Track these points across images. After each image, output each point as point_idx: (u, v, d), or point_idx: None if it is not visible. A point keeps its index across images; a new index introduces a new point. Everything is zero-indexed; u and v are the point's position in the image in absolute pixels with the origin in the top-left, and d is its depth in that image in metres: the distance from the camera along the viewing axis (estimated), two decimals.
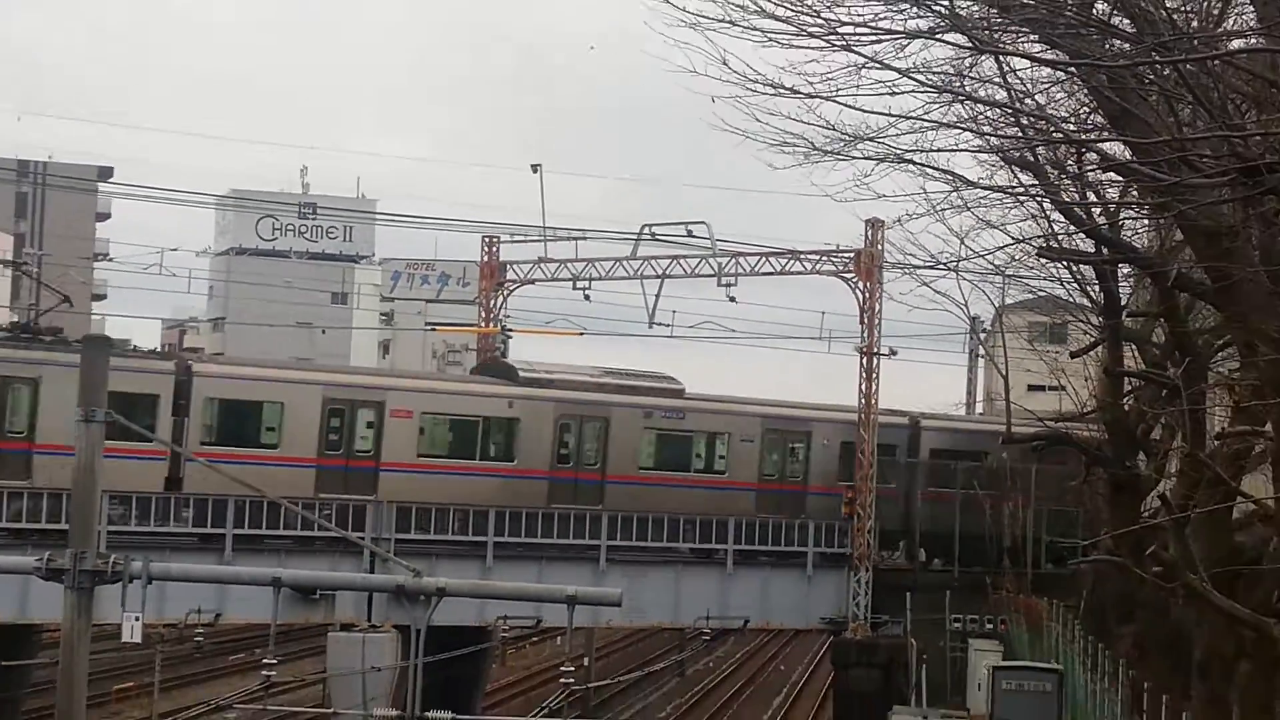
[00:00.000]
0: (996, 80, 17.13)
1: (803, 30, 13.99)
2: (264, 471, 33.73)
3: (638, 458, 39.53)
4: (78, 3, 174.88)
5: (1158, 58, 13.87)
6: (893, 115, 15.95)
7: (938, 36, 14.80)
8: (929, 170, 18.36)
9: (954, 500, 41.22)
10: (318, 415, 35.70)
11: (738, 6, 13.77)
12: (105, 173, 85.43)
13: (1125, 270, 25.85)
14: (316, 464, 35.73)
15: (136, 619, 24.06)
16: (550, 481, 38.80)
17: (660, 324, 41.52)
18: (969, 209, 22.56)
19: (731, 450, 40.18)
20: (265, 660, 25.81)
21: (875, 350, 40.76)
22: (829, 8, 13.83)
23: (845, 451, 41.58)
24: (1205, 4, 16.18)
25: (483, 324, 47.64)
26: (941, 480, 42.22)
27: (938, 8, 14.46)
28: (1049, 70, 17.15)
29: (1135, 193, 20.98)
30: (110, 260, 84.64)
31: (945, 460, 42.79)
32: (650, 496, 39.23)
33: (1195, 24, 15.85)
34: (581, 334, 47.37)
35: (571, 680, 34.82)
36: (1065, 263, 26.23)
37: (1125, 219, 23.78)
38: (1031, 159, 20.06)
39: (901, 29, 14.42)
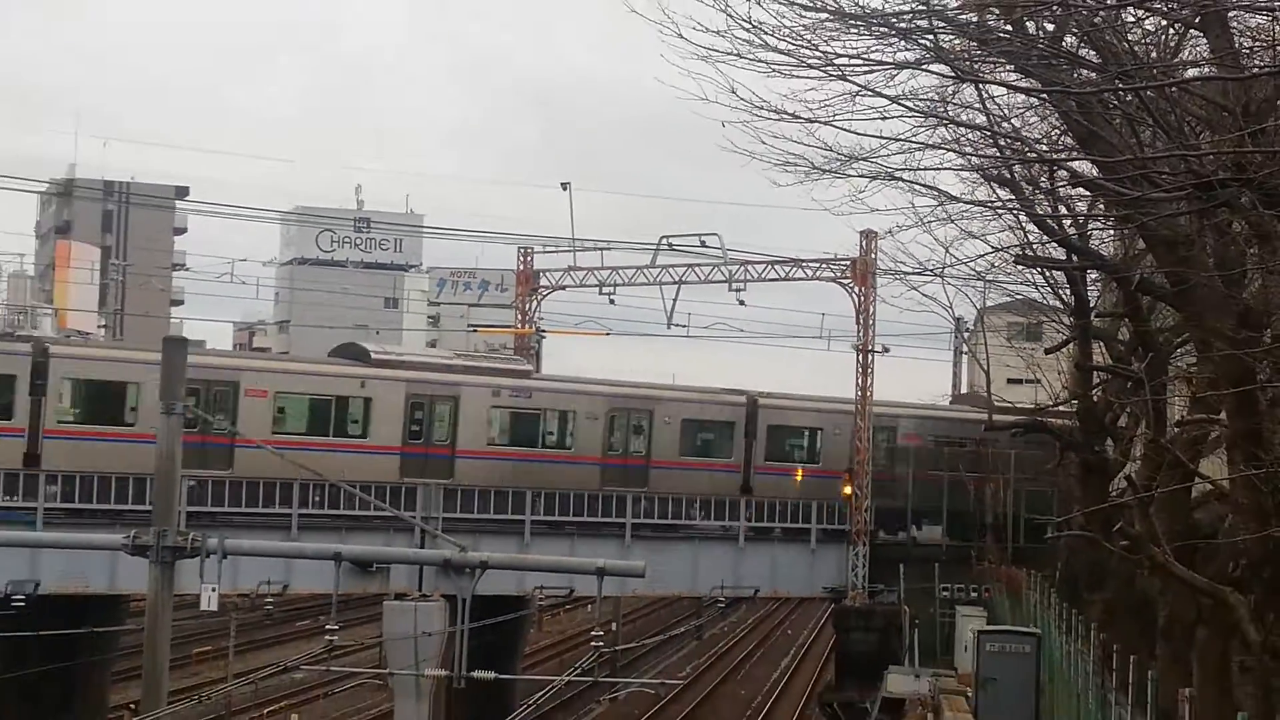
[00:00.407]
0: (977, 106, 18.39)
1: (803, 62, 15.03)
2: (124, 448, 34.84)
3: (487, 434, 41.80)
4: (164, 54, 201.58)
5: (1121, 85, 14.87)
6: (884, 138, 17.30)
7: (923, 67, 15.90)
8: (917, 187, 20.10)
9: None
10: None
11: (745, 41, 14.81)
12: (182, 192, 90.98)
13: (1093, 275, 27.56)
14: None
15: (213, 589, 24.80)
16: (402, 457, 40.60)
17: (678, 325, 44.44)
18: (953, 221, 24.66)
19: (578, 427, 42.63)
20: (328, 626, 27.34)
21: (870, 348, 43.44)
22: (826, 41, 15.04)
23: (686, 428, 44.60)
24: (1163, 36, 17.23)
25: (519, 325, 50.56)
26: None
27: (923, 41, 15.37)
28: (1023, 97, 18.46)
29: (1102, 206, 22.28)
30: (187, 270, 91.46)
31: (784, 436, 46.28)
32: (499, 470, 41.35)
33: (1154, 54, 16.97)
34: (608, 334, 50.78)
35: (601, 643, 37.85)
36: (1039, 269, 27.77)
37: (1093, 229, 25.28)
38: (1009, 176, 21.51)
39: (891, 60, 15.57)
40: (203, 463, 36.16)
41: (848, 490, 45.38)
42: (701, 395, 47.57)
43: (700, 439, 46.22)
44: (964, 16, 15.44)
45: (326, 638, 30.35)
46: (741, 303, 45.06)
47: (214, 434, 36.28)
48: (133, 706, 37.60)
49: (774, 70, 15.40)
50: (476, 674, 25.86)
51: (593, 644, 33.73)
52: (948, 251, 27.90)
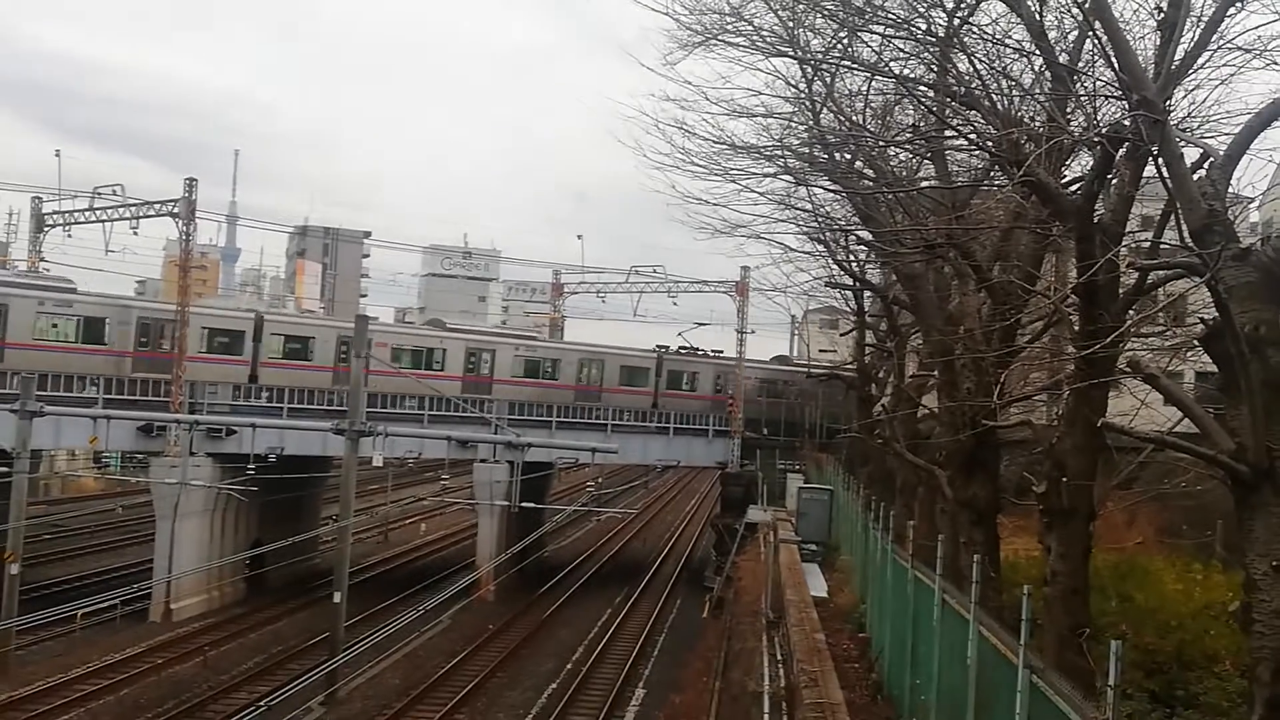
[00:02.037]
0: (807, 199, 22.88)
1: (713, 172, 19.18)
2: (305, 374, 49.68)
3: (511, 371, 56.99)
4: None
5: (886, 189, 19.17)
6: (755, 215, 22.35)
7: (778, 176, 20.31)
8: (773, 243, 26.90)
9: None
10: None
11: (680, 159, 18.83)
12: (367, 234, 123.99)
13: (868, 293, 32.88)
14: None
15: (380, 454, 33.75)
16: (463, 383, 54.58)
17: (640, 316, 63.97)
18: (791, 263, 31.50)
19: (561, 369, 59.49)
20: (443, 476, 38.23)
21: (744, 331, 59.63)
22: (725, 161, 19.14)
23: (624, 371, 61.17)
24: (908, 162, 21.21)
25: (552, 314, 71.32)
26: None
27: (778, 163, 19.69)
28: (832, 194, 23.07)
29: (873, 255, 27.25)
30: (369, 277, 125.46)
31: (677, 376, 62.70)
32: (520, 392, 55.88)
33: (905, 172, 20.85)
34: (600, 320, 68.74)
35: (592, 488, 58.33)
36: (839, 290, 33.19)
37: (868, 267, 30.52)
38: (823, 238, 26.49)
39: (760, 173, 19.63)
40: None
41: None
42: (634, 353, 61.94)
43: (632, 377, 60.07)
44: (801, 149, 20.01)
45: (442, 482, 41.67)
46: (675, 304, 62.94)
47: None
48: (333, 518, 43.65)
49: (696, 176, 19.24)
50: (525, 504, 36.87)
51: (588, 488, 60.62)
52: (788, 279, 37.65)
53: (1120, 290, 13.18)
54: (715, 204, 20.77)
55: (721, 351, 64.70)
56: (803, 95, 18.95)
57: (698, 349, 65.07)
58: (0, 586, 33.05)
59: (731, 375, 60.23)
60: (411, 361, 52.55)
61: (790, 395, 64.44)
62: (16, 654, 33.46)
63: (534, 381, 57.15)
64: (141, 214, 48.50)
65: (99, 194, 50.08)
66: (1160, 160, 9.55)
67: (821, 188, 22.14)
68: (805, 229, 25.09)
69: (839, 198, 23.18)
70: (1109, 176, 12.74)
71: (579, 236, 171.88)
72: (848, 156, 19.90)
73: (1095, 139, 11.71)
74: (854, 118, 18.22)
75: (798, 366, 65.97)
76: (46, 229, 52.07)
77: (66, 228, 51.65)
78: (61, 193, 52.38)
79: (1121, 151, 12.02)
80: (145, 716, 29.29)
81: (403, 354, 52.57)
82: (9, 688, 31.00)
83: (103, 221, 49.81)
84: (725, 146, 18.77)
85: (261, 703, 27.19)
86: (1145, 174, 12.69)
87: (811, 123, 19.07)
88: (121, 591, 34.79)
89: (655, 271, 63.78)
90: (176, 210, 45.51)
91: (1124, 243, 13.80)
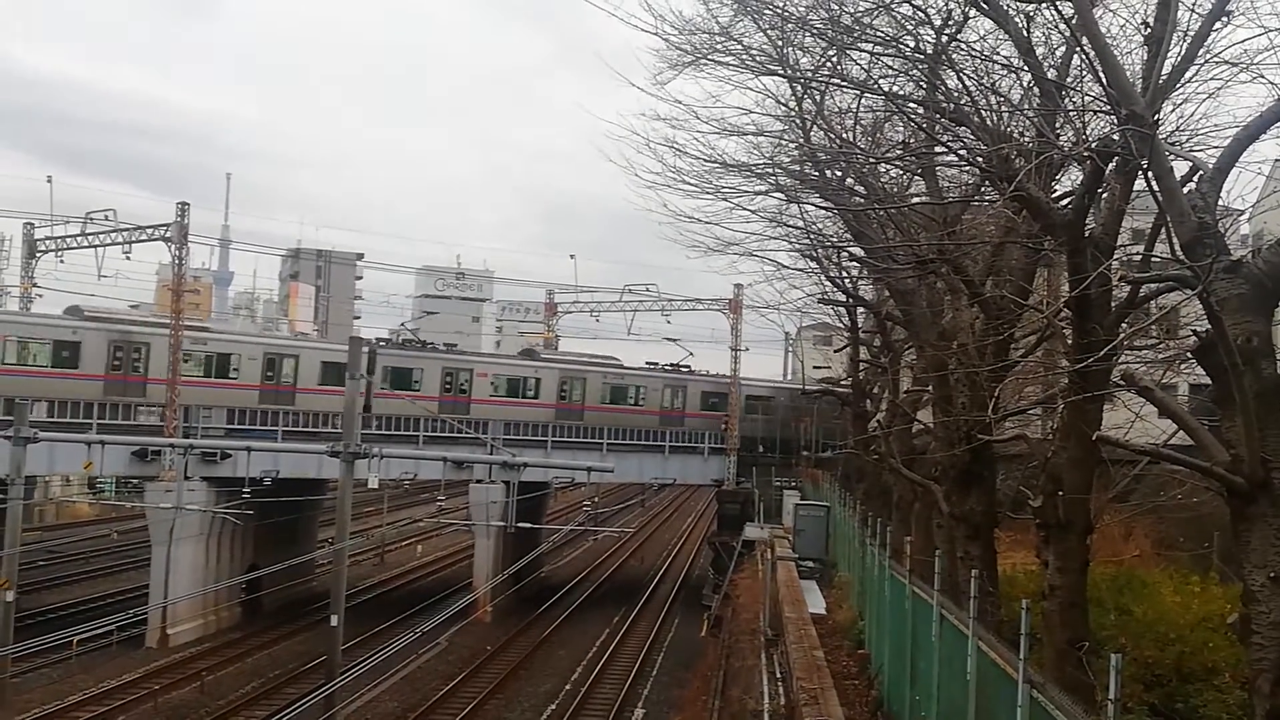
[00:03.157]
0: (798, 216, 22.78)
1: (704, 190, 19.04)
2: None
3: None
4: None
5: (877, 206, 18.98)
6: (747, 233, 22.05)
7: (769, 194, 20.22)
8: (765, 261, 25.89)
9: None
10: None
11: (671, 178, 18.70)
12: (360, 256, 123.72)
13: (861, 309, 32.53)
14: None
15: (375, 476, 33.78)
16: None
17: (634, 335, 64.68)
18: (785, 279, 30.41)
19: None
20: (438, 498, 38.59)
21: (738, 348, 60.36)
22: (716, 179, 19.08)
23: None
24: (899, 179, 21.19)
25: (546, 333, 71.93)
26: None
27: (769, 180, 19.64)
28: (824, 211, 22.81)
29: (866, 272, 26.94)
30: (362, 299, 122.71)
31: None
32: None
33: (896, 188, 20.75)
34: (595, 338, 68.97)
35: (588, 508, 57.63)
36: (832, 306, 33.02)
37: (861, 283, 30.13)
38: (815, 255, 26.28)
39: (752, 190, 19.56)
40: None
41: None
42: (619, 369, 61.76)
43: (615, 394, 60.02)
44: (793, 167, 19.96)
45: (437, 503, 42.02)
46: (668, 322, 63.12)
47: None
48: (329, 540, 43.25)
49: (688, 194, 19.03)
50: (521, 524, 35.75)
51: (584, 508, 58.92)
52: (781, 295, 37.54)
53: (1112, 304, 13.21)
54: (708, 222, 20.67)
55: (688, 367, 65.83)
56: (793, 113, 19.07)
57: (683, 366, 66.27)
58: None
59: (684, 389, 62.14)
60: (508, 390, 56.37)
61: (785, 412, 65.68)
62: (13, 681, 33.34)
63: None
64: (134, 239, 48.56)
65: (91, 219, 50.02)
66: (1150, 174, 9.60)
67: (813, 205, 22.11)
68: (797, 246, 24.98)
69: (831, 215, 23.18)
70: (1099, 190, 12.81)
71: (572, 256, 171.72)
72: (839, 173, 19.93)
73: (1085, 153, 11.76)
74: (844, 135, 18.37)
75: (789, 384, 67.58)
76: (39, 255, 52.02)
77: (59, 253, 51.60)
78: (54, 218, 52.26)
79: (1111, 166, 12.08)
80: None
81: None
82: (6, 715, 30.85)
83: (95, 246, 49.78)
84: (717, 165, 18.74)
85: None
86: (1135, 188, 12.78)
87: (802, 140, 19.10)
88: (118, 617, 34.62)
89: (648, 290, 64.47)
90: (169, 235, 45.50)
91: (1115, 256, 13.70)
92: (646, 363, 64.62)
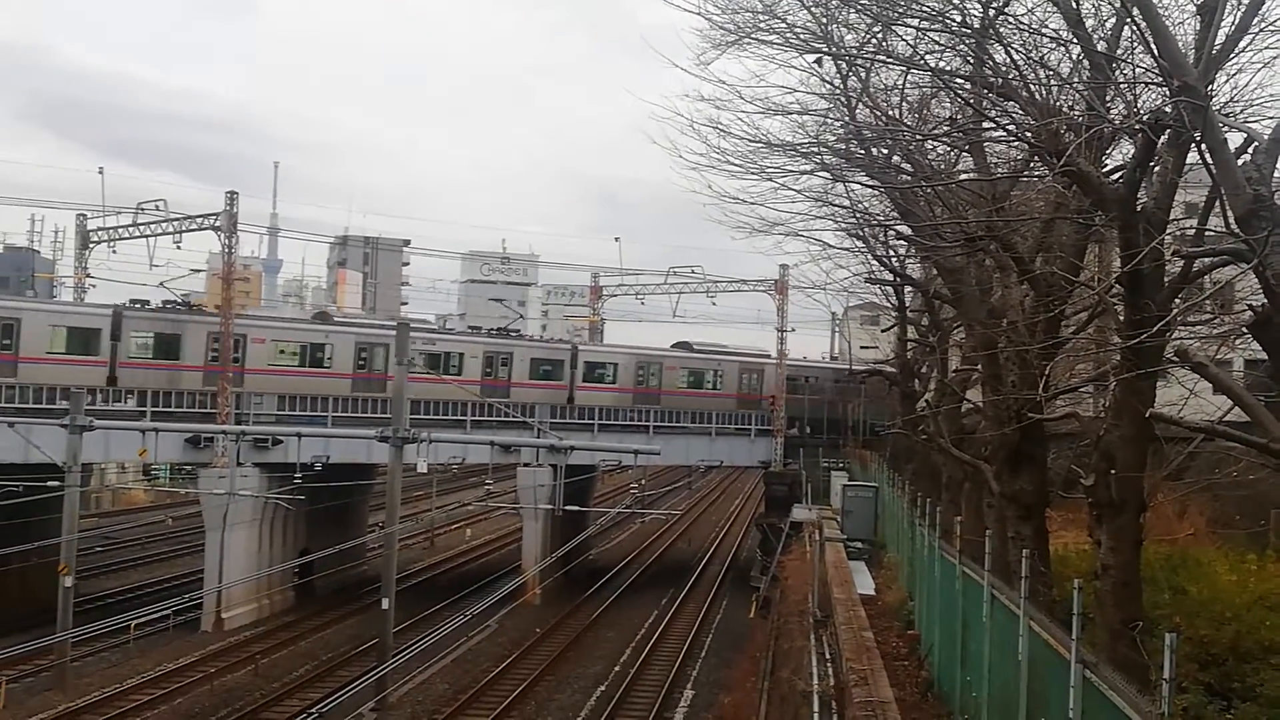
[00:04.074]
0: (844, 195, 22.51)
1: (748, 171, 18.78)
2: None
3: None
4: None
5: (924, 183, 18.80)
6: (792, 213, 21.68)
7: (814, 173, 19.96)
8: (811, 241, 26.05)
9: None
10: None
11: (715, 159, 18.49)
12: (407, 242, 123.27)
13: (908, 288, 32.21)
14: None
15: (424, 460, 33.84)
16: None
17: (679, 317, 63.00)
18: (830, 259, 30.78)
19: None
20: (486, 481, 38.86)
21: (784, 329, 59.77)
22: (761, 159, 18.83)
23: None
24: (946, 155, 20.85)
25: (591, 316, 71.79)
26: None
27: (814, 159, 19.43)
28: (870, 190, 22.67)
29: (913, 250, 26.44)
30: (409, 285, 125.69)
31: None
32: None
33: (943, 165, 20.35)
34: (639, 321, 68.38)
35: (636, 490, 61.08)
36: (879, 285, 32.92)
37: (908, 261, 29.96)
38: (862, 234, 26.06)
39: (797, 170, 19.31)
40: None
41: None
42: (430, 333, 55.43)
43: (430, 361, 53.77)
44: (838, 145, 19.77)
45: (485, 487, 42.12)
46: (714, 304, 62.22)
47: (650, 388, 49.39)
48: (379, 525, 43.37)
49: (732, 175, 18.93)
50: (569, 508, 36.52)
51: (631, 490, 63.30)
52: (827, 275, 37.52)
53: (1165, 279, 13.00)
54: (752, 202, 20.42)
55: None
56: (838, 91, 18.86)
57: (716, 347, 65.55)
58: (55, 599, 33.50)
59: (654, 366, 59.82)
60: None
61: (832, 392, 64.76)
62: (73, 665, 34.00)
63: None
64: (184, 228, 49.16)
65: (142, 209, 50.68)
66: (1203, 146, 9.42)
67: (859, 183, 21.91)
68: (843, 225, 24.79)
69: (877, 193, 23.11)
70: (1151, 164, 12.59)
71: (616, 239, 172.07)
72: (885, 151, 19.79)
73: (1136, 127, 11.54)
74: (890, 112, 18.31)
75: (834, 364, 66.24)
76: (92, 245, 52.82)
77: (111, 244, 52.34)
78: (106, 209, 52.98)
79: (1163, 139, 11.84)
80: None
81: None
82: (66, 699, 31.48)
83: (146, 236, 50.43)
84: (761, 145, 18.51)
85: (313, 709, 27.40)
86: (1188, 160, 12.48)
87: (847, 118, 18.96)
88: (173, 602, 35.23)
89: (693, 272, 63.60)
90: (218, 223, 46.02)
91: (1168, 231, 13.59)
92: (481, 328, 62.70)
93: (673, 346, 64.09)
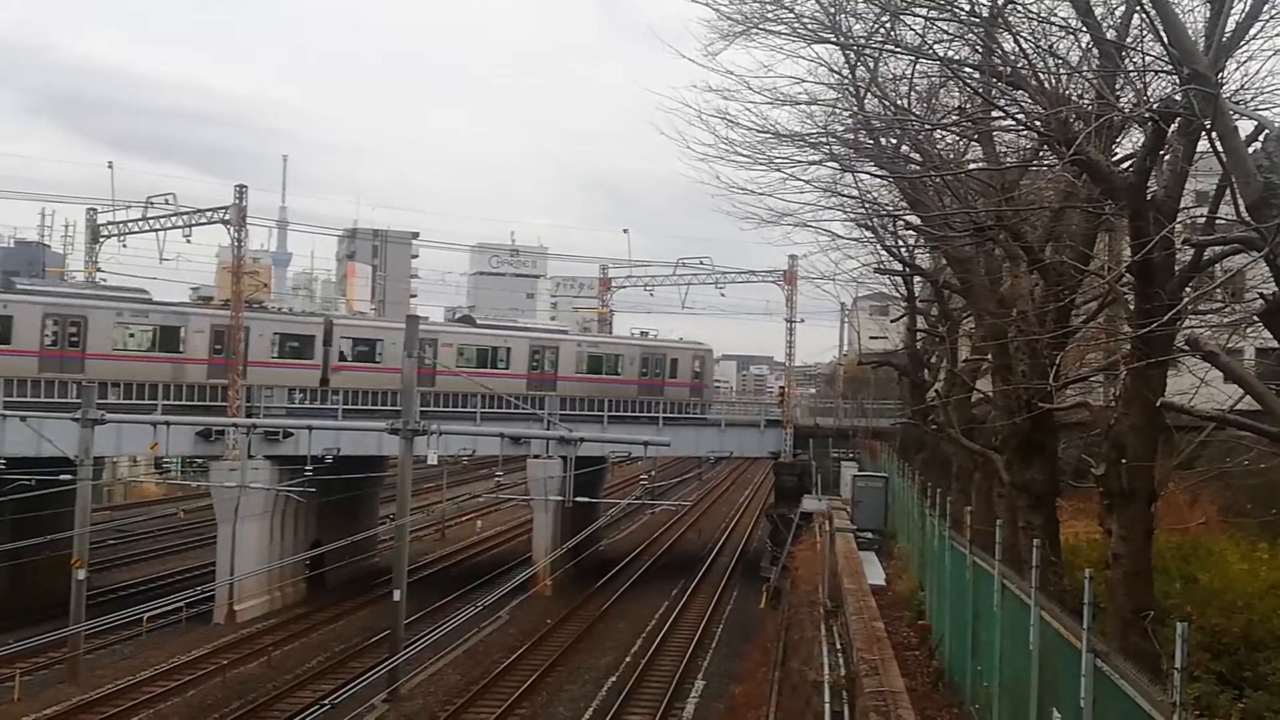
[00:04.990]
0: (853, 185, 22.23)
1: (757, 161, 18.76)
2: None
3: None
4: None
5: (933, 173, 18.68)
6: (801, 203, 21.27)
7: (823, 163, 19.83)
8: (820, 231, 25.95)
9: None
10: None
11: (724, 150, 18.39)
12: (415, 234, 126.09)
13: (918, 278, 32.24)
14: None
15: (434, 452, 34.13)
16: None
17: (688, 308, 64.40)
18: (840, 249, 31.50)
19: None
20: (496, 473, 38.92)
21: (793, 320, 60.11)
22: (769, 150, 18.77)
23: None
24: (955, 145, 20.95)
25: (600, 308, 71.66)
26: None
27: (823, 149, 19.36)
28: (879, 179, 22.25)
29: (922, 240, 26.51)
30: (418, 277, 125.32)
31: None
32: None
33: (952, 155, 20.48)
34: (649, 313, 69.25)
35: (646, 481, 55.76)
36: (888, 275, 32.45)
37: (917, 252, 30.00)
38: (870, 224, 25.83)
39: (804, 160, 19.24)
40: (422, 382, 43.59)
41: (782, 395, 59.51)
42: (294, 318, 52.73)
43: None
44: (847, 135, 19.67)
45: (495, 479, 42.16)
46: (722, 295, 62.75)
47: (424, 367, 45.62)
48: (390, 517, 44.15)
49: (741, 166, 18.77)
50: (579, 499, 37.16)
51: (641, 481, 58.85)
52: (836, 266, 38.28)
53: (1176, 268, 12.96)
54: (761, 193, 20.28)
55: None
56: (846, 81, 18.70)
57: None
58: (68, 592, 33.70)
59: (427, 342, 51.70)
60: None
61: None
62: (86, 658, 34.20)
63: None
64: (194, 222, 49.30)
65: (151, 203, 50.84)
66: (1214, 134, 9.39)
67: (868, 173, 21.62)
68: (852, 215, 24.42)
69: (886, 183, 22.73)
70: (1161, 152, 12.55)
71: (625, 230, 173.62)
72: (894, 141, 19.54)
73: (1146, 115, 11.49)
74: (899, 102, 18.06)
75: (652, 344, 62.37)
76: (102, 239, 52.98)
77: (121, 238, 52.50)
78: (115, 203, 53.14)
79: (1173, 127, 11.82)
80: (212, 717, 29.77)
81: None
82: (80, 691, 31.65)
83: (156, 230, 50.61)
84: (769, 135, 18.50)
85: (325, 701, 27.50)
86: (1199, 149, 12.51)
87: (856, 108, 18.83)
88: (186, 594, 35.34)
89: (702, 263, 63.71)
90: (228, 217, 46.17)
91: (1178, 219, 13.42)
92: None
93: (457, 320, 61.00)
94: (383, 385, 48.17)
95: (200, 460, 51.08)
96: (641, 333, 63.76)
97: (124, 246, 52.41)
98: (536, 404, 51.22)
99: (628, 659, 37.18)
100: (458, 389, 50.69)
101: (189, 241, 49.58)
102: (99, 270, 52.26)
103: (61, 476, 33.79)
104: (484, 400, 49.57)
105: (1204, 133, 9.95)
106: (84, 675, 32.86)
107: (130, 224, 51.80)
